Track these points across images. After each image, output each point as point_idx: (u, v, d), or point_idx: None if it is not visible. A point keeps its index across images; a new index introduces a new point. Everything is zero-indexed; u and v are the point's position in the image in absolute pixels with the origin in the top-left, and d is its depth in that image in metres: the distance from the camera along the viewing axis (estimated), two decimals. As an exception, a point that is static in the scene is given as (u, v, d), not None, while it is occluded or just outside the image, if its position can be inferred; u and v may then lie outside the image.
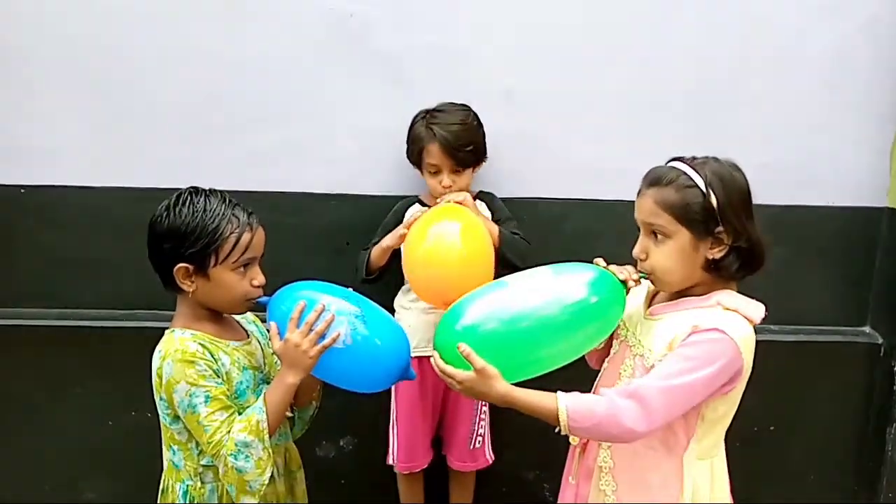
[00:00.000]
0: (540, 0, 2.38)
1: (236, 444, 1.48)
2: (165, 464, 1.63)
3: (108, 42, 2.35)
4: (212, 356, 1.52)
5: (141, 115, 2.39)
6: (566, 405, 1.41)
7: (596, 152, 2.45)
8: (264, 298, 1.58)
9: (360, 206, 2.41)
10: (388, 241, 2.18)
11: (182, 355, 1.49)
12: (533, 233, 2.27)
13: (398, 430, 2.34)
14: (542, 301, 1.50)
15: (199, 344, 1.52)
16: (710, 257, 1.46)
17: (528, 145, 2.45)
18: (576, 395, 1.44)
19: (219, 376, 1.52)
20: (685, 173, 1.45)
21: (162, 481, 1.63)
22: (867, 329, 2.63)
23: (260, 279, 1.58)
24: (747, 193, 1.48)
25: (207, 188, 1.57)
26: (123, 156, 2.42)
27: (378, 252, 2.20)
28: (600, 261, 1.59)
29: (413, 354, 1.67)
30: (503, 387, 1.44)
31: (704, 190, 1.42)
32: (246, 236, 1.53)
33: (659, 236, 1.47)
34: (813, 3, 2.42)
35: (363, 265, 2.25)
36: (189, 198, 1.53)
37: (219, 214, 1.51)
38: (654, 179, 1.48)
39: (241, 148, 2.42)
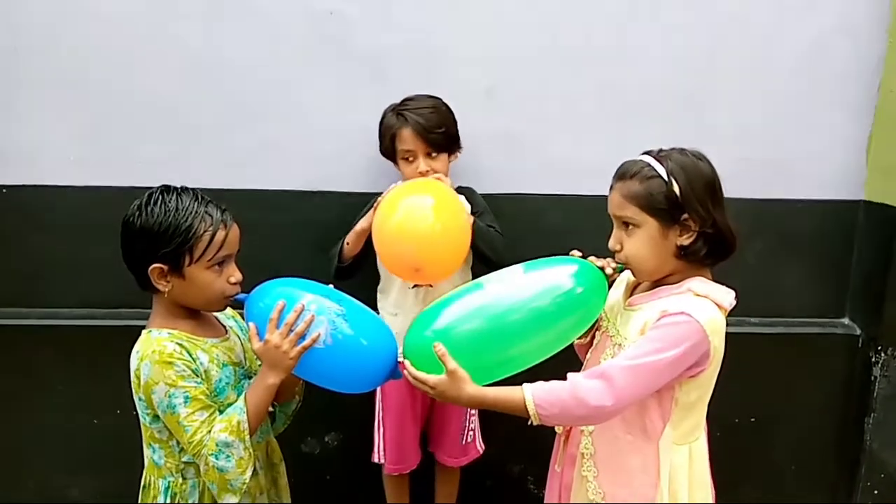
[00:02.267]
0: (519, -1, 2.40)
1: (217, 444, 1.48)
2: (146, 461, 1.63)
3: (88, 42, 2.35)
4: (189, 355, 1.51)
5: (122, 115, 2.39)
6: (532, 395, 1.44)
7: (575, 149, 2.47)
8: (242, 295, 1.57)
9: (341, 204, 2.41)
10: (363, 223, 2.13)
11: (160, 356, 1.48)
12: (514, 228, 2.28)
13: (386, 431, 2.33)
14: (519, 298, 1.52)
15: (177, 343, 1.51)
16: (680, 244, 1.50)
17: (509, 142, 2.47)
18: (541, 383, 1.47)
19: (197, 376, 1.51)
20: (649, 164, 1.50)
21: (143, 478, 1.63)
22: (845, 320, 2.67)
23: (236, 276, 1.56)
24: (713, 181, 1.52)
25: (179, 186, 1.55)
26: (105, 155, 2.42)
27: (352, 237, 2.16)
28: (576, 252, 1.62)
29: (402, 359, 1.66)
30: (473, 389, 1.47)
31: (667, 179, 1.47)
32: (220, 234, 1.51)
33: (629, 227, 1.52)
34: (788, 0, 2.44)
35: (336, 255, 2.21)
36: (161, 197, 1.50)
37: (191, 213, 1.49)
38: (621, 173, 1.54)
39: (223, 146, 2.42)
